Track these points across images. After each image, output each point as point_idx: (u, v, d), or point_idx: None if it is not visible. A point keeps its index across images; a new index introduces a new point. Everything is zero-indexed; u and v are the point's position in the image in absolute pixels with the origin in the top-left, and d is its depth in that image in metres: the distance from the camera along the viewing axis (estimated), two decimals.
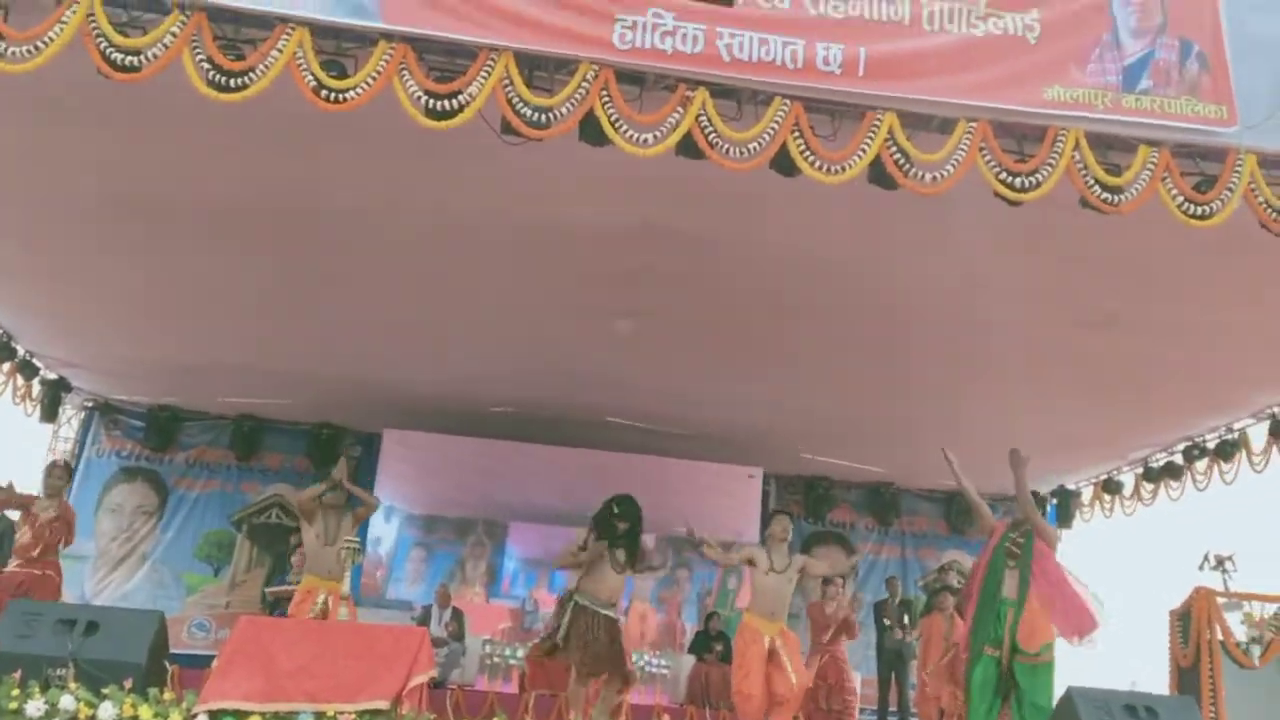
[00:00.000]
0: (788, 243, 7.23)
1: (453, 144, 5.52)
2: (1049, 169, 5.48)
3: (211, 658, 5.87)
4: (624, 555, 7.48)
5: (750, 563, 7.62)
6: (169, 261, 8.35)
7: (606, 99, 5.19)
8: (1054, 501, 13.97)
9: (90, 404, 13.02)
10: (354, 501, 8.45)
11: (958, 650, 10.40)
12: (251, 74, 4.89)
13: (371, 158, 6.45)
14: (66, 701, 5.04)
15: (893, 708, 11.24)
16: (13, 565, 8.09)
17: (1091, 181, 5.51)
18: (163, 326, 10.03)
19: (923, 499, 14.46)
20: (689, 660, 11.46)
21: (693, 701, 10.53)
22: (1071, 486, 13.60)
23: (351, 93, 4.98)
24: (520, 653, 10.96)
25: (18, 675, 5.17)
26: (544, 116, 5.17)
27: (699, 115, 5.25)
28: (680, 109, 5.26)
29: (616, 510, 7.48)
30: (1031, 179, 5.49)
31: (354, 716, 5.20)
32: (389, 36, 5.03)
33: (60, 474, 8.70)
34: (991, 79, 5.46)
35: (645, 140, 5.27)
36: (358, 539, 7.13)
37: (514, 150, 5.41)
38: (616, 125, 5.21)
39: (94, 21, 4.82)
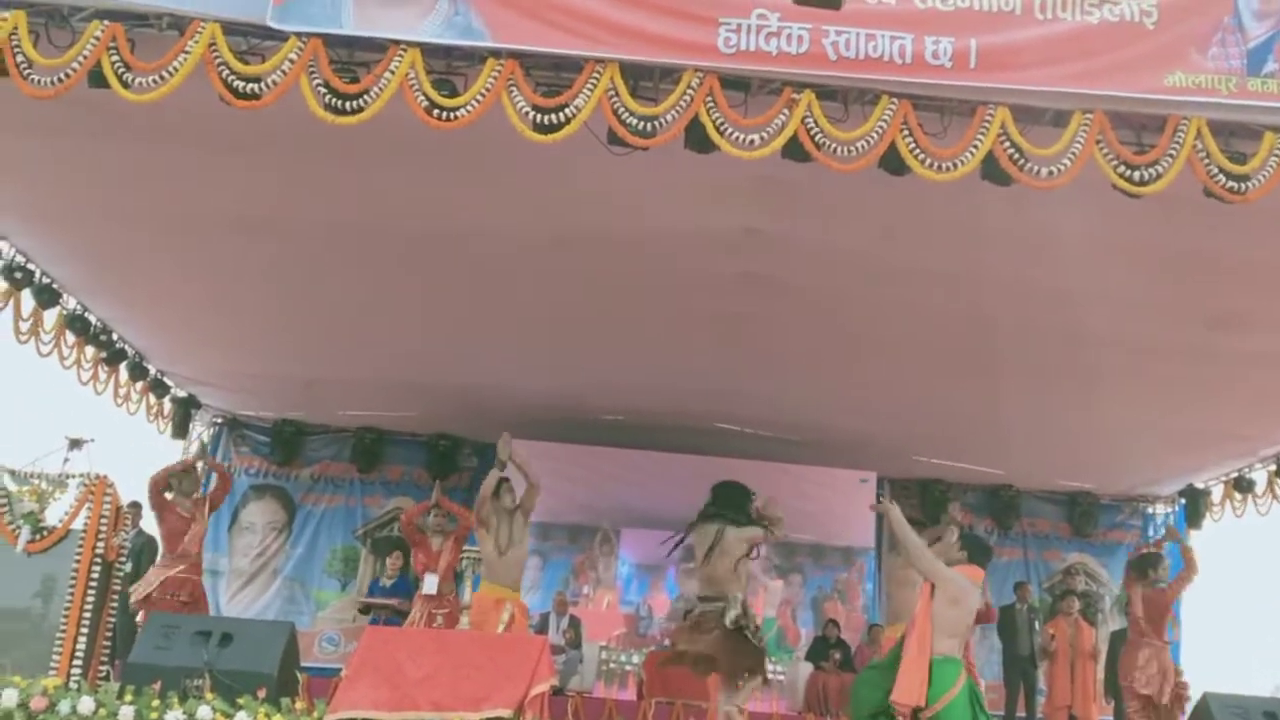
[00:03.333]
0: (893, 247, 7.14)
1: (560, 157, 5.60)
2: (1170, 159, 5.32)
3: (340, 670, 6.00)
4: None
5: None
6: (294, 280, 8.64)
7: (711, 104, 5.21)
8: (1182, 501, 13.50)
9: (219, 420, 13.42)
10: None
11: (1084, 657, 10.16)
12: (366, 96, 5.04)
13: (482, 175, 6.57)
14: (204, 712, 5.22)
15: (1021, 713, 11.02)
16: (175, 570, 8.25)
17: (1215, 170, 5.34)
18: (287, 343, 10.35)
19: (1044, 500, 14.07)
20: (806, 667, 11.36)
21: (810, 709, 10.44)
22: (1200, 485, 13.04)
23: (462, 110, 5.11)
24: (636, 659, 11.02)
25: (157, 686, 5.37)
26: (649, 125, 5.22)
27: (805, 117, 5.23)
28: (786, 111, 5.25)
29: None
30: (1151, 170, 5.35)
31: None
32: (497, 54, 5.13)
33: (190, 477, 8.86)
34: (1108, 66, 5.31)
35: (751, 142, 5.27)
36: (475, 549, 7.20)
37: (619, 161, 5.46)
38: (722, 130, 5.22)
39: (216, 50, 5.02)
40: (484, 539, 7.78)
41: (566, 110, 5.13)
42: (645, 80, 5.31)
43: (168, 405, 12.25)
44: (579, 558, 13.20)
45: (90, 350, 10.04)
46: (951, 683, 5.91)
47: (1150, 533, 13.93)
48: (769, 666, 11.36)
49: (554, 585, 12.89)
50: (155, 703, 5.26)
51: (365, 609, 10.50)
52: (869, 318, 8.44)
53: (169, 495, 8.54)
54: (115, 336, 10.29)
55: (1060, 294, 7.45)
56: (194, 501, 8.70)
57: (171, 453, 12.29)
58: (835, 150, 5.32)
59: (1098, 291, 7.39)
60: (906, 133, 5.29)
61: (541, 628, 11.22)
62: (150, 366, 11.23)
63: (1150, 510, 14.08)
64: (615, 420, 12.13)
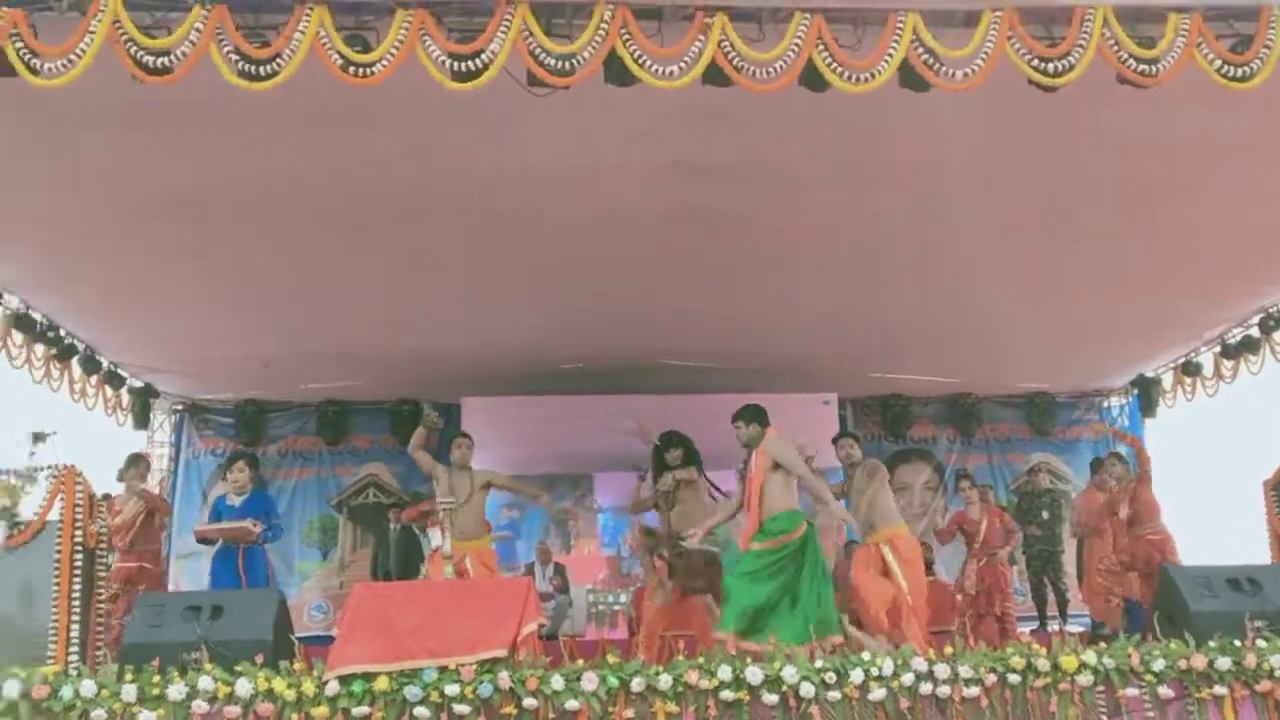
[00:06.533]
0: (829, 163, 7.20)
1: (483, 105, 5.62)
2: (1080, 49, 5.40)
3: (332, 638, 6.09)
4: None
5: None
6: (238, 257, 8.58)
7: (627, 37, 5.22)
8: (1135, 391, 13.80)
9: (179, 407, 13.41)
10: None
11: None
12: (279, 59, 5.01)
13: (410, 131, 6.56)
14: (205, 682, 5.28)
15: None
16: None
17: (1125, 56, 5.44)
18: (240, 322, 10.31)
19: (1002, 404, 14.36)
20: None
21: None
22: (1150, 374, 13.38)
23: (378, 65, 5.08)
24: (624, 598, 11.22)
25: (156, 663, 5.44)
26: (567, 63, 5.22)
27: (721, 40, 5.26)
28: (702, 36, 5.27)
29: (660, 444, 8.17)
30: (1064, 62, 5.43)
31: (475, 667, 5.35)
32: (405, 4, 5.12)
33: (134, 465, 8.98)
34: None
35: (671, 73, 5.29)
36: (453, 499, 7.33)
37: (542, 103, 5.48)
38: (640, 62, 5.24)
39: (120, 27, 4.94)
40: (437, 488, 8.22)
41: (483, 55, 5.14)
42: (558, 18, 5.32)
43: (125, 396, 12.16)
44: (557, 507, 13.34)
45: (40, 348, 9.95)
46: (794, 527, 6.57)
47: (1107, 424, 14.29)
48: None
49: (535, 535, 13.06)
50: (156, 679, 5.33)
51: (204, 540, 8.92)
52: (809, 237, 8.52)
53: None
54: (63, 332, 10.19)
55: (991, 191, 7.55)
56: (135, 492, 8.86)
57: (136, 443, 12.26)
58: (754, 72, 5.37)
59: (1026, 184, 7.52)
60: (822, 47, 5.33)
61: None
62: (102, 359, 11.14)
63: (1105, 403, 14.42)
64: (575, 368, 12.21)
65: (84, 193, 7.33)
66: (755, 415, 7.05)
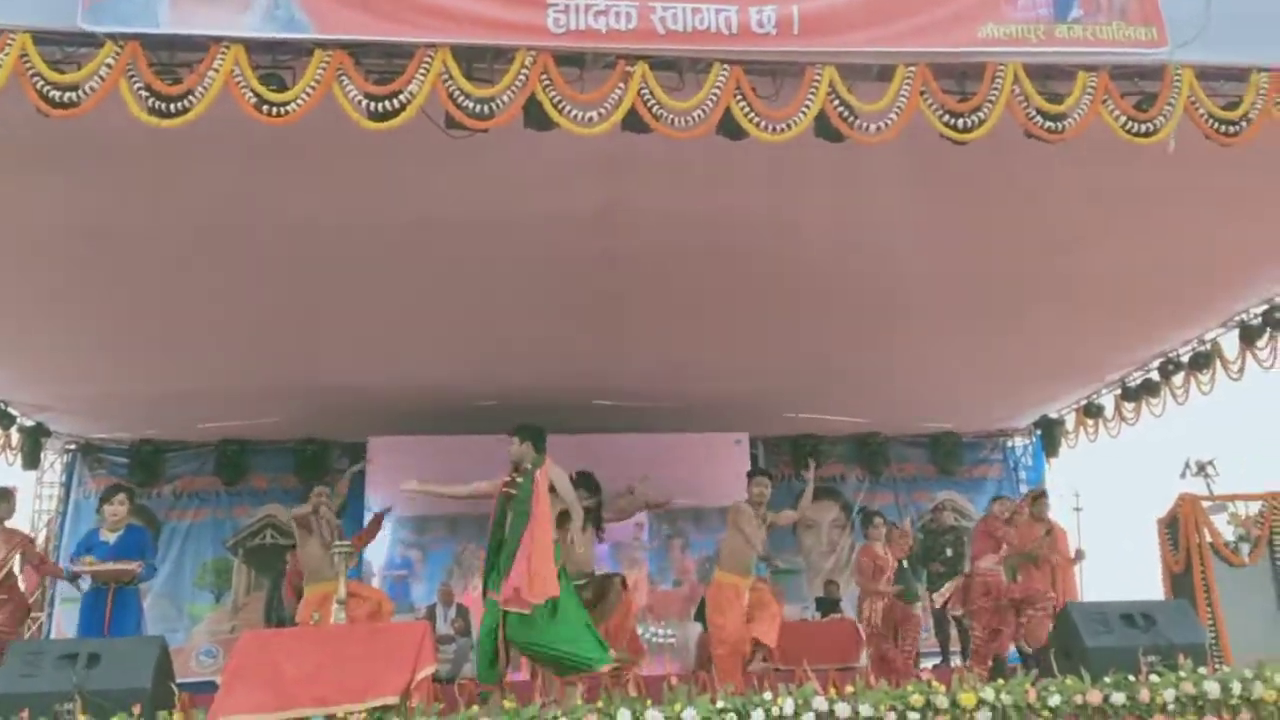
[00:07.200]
0: (744, 208, 7.27)
1: (404, 146, 5.55)
2: (990, 105, 5.52)
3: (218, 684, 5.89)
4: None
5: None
6: (131, 292, 8.31)
7: (547, 83, 5.21)
8: (1038, 432, 14.14)
9: (72, 446, 12.97)
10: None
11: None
12: (191, 97, 4.89)
13: (326, 169, 6.44)
14: None
15: None
16: None
17: (1033, 112, 5.58)
18: (133, 359, 9.98)
19: (909, 444, 14.63)
20: (696, 628, 11.54)
21: (703, 667, 10.61)
22: (1054, 415, 13.75)
23: (292, 104, 4.98)
24: None
25: (25, 715, 5.18)
26: (486, 107, 5.19)
27: (640, 89, 5.28)
28: (621, 85, 5.29)
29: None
30: (974, 117, 5.55)
31: (364, 715, 5.23)
32: (324, 45, 5.03)
33: (3, 501, 8.47)
34: (925, 24, 5.50)
35: (590, 119, 5.29)
36: (349, 542, 7.20)
37: (465, 145, 5.43)
38: (560, 107, 5.24)
39: (28, 61, 4.80)
40: (307, 540, 8.23)
41: (401, 96, 5.07)
42: (479, 63, 5.28)
43: (15, 436, 11.73)
44: (460, 547, 13.12)
45: None
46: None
47: (1010, 464, 14.59)
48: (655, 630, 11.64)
49: (437, 577, 12.82)
50: None
51: (74, 577, 8.55)
52: (725, 280, 8.57)
53: None
54: None
55: (909, 237, 7.68)
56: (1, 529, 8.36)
57: (24, 483, 11.77)
58: (673, 120, 5.39)
59: (938, 232, 7.68)
60: (740, 98, 5.38)
61: (429, 619, 11.16)
62: None
63: (1010, 444, 14.74)
64: (489, 406, 12.05)
65: None
66: (533, 435, 6.88)
